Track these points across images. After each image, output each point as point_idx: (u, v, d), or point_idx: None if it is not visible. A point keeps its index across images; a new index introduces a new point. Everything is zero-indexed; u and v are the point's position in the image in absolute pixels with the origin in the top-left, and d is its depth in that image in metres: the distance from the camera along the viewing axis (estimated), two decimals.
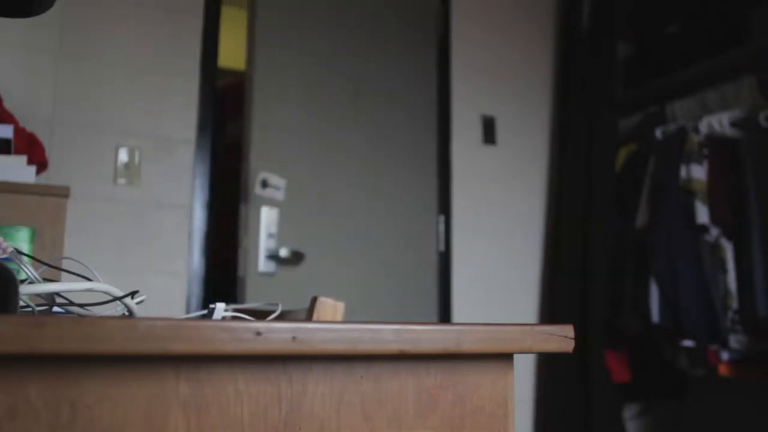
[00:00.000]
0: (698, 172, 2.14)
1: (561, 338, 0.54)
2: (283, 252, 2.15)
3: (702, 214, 2.10)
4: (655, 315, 2.16)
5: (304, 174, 2.25)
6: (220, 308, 0.61)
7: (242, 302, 2.09)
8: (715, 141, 2.17)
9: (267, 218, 2.14)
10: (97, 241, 1.96)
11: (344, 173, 2.32)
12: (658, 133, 2.36)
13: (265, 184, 2.15)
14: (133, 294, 0.56)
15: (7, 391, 0.38)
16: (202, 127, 2.15)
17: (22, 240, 0.93)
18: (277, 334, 0.42)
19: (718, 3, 2.38)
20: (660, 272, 2.16)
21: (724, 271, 2.05)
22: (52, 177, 1.86)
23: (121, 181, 2.02)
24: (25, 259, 0.56)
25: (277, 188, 2.16)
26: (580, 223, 2.48)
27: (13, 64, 1.92)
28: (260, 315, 0.67)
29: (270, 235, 2.15)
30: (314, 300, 0.78)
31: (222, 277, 2.41)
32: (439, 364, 0.51)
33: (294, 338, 0.43)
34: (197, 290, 2.08)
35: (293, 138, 2.24)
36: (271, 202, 2.17)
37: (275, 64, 2.23)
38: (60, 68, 1.98)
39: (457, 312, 2.40)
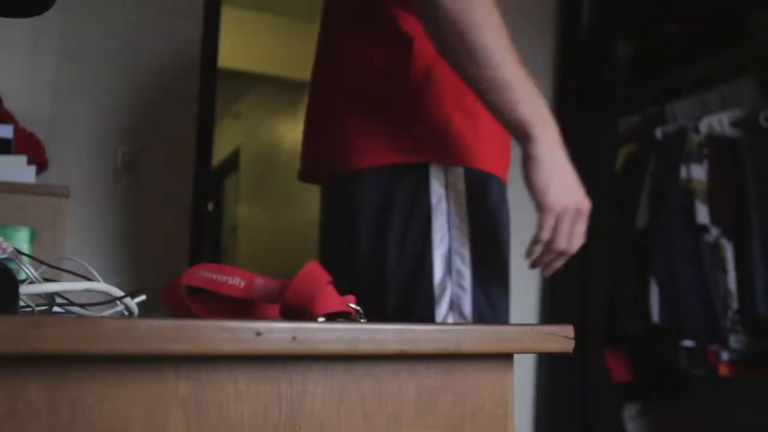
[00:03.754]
0: (698, 172, 2.14)
1: (561, 338, 0.54)
2: None
3: (702, 214, 2.10)
4: (655, 315, 2.16)
5: None
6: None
7: None
8: (715, 141, 2.17)
9: None
10: (97, 241, 1.96)
11: None
12: (658, 133, 2.36)
13: None
14: (133, 294, 0.56)
15: (7, 391, 0.38)
16: (202, 127, 2.15)
17: (22, 240, 0.93)
18: (277, 334, 0.42)
19: (718, 3, 2.38)
20: (660, 272, 2.16)
21: (724, 271, 2.05)
22: (52, 177, 1.85)
23: (121, 181, 2.02)
24: (25, 259, 0.56)
25: None
26: None
27: (14, 64, 1.92)
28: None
29: None
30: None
31: None
32: (439, 364, 0.51)
33: (294, 338, 0.43)
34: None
35: None
36: None
37: None
38: (60, 68, 1.98)
39: None
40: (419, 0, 0.92)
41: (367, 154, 1.04)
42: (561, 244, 0.97)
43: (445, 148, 1.04)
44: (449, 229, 1.03)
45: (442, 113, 1.05)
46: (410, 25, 1.04)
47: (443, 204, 1.03)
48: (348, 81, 1.09)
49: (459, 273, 1.02)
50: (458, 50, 0.90)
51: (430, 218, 1.02)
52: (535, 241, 0.98)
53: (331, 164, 1.10)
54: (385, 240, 1.02)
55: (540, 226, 0.96)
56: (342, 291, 0.87)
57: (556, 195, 0.95)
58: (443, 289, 1.01)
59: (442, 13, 0.88)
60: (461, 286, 1.01)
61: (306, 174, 1.20)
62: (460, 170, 1.05)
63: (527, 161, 0.95)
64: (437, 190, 1.03)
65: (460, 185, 1.05)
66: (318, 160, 1.15)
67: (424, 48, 1.04)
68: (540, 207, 0.96)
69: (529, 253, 1.01)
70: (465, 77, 0.93)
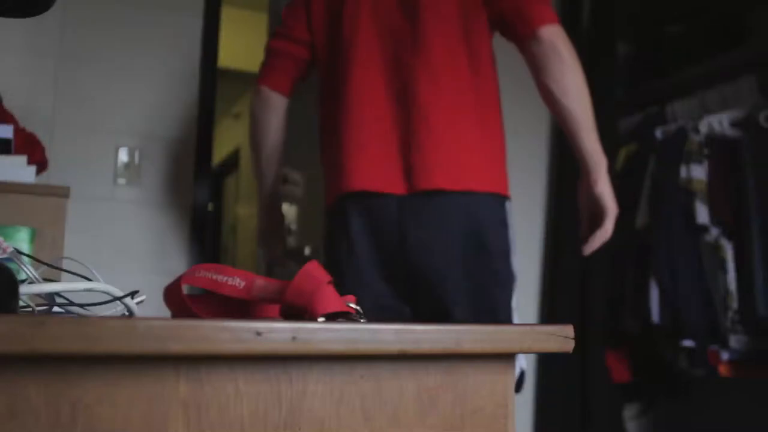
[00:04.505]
0: (698, 172, 2.14)
1: (561, 338, 0.54)
2: (307, 250, 2.12)
3: (702, 214, 2.09)
4: (655, 315, 2.16)
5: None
6: None
7: None
8: (715, 141, 2.17)
9: (286, 215, 2.08)
10: (97, 241, 1.96)
11: None
12: (658, 133, 2.35)
13: (284, 179, 2.07)
14: (133, 294, 0.56)
15: (7, 391, 0.38)
16: (202, 127, 2.15)
17: (22, 240, 0.93)
18: (277, 334, 0.42)
19: (718, 3, 2.38)
20: (660, 272, 2.16)
21: (724, 271, 2.04)
22: (52, 177, 1.86)
23: (121, 181, 2.02)
24: (25, 259, 0.56)
25: (296, 184, 2.12)
26: (580, 223, 2.48)
27: (14, 64, 1.92)
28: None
29: (290, 233, 2.12)
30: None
31: None
32: (439, 364, 0.51)
33: (294, 338, 0.43)
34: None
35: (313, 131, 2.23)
36: (291, 199, 2.14)
37: None
38: (60, 68, 1.98)
39: None
40: (552, 54, 1.29)
41: (479, 179, 1.30)
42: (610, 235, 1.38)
43: (507, 186, 1.38)
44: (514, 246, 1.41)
45: (503, 155, 1.38)
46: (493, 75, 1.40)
47: (513, 230, 1.39)
48: (448, 112, 1.31)
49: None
50: (572, 92, 1.31)
51: (510, 238, 1.38)
52: (605, 232, 1.37)
53: (426, 179, 1.28)
54: (483, 252, 1.32)
55: (610, 221, 1.37)
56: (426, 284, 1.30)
57: (615, 202, 1.36)
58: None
59: (568, 66, 1.30)
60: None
61: (370, 181, 1.31)
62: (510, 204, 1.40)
63: (600, 178, 1.35)
64: (511, 220, 1.39)
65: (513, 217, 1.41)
66: (406, 172, 1.30)
67: (497, 94, 1.41)
68: (609, 210, 1.36)
69: (597, 241, 1.40)
70: (568, 111, 1.33)
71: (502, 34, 1.40)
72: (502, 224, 1.35)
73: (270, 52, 1.51)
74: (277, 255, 1.63)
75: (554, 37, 1.29)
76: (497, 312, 1.31)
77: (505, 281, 1.36)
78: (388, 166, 1.30)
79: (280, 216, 1.62)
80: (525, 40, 1.32)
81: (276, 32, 1.51)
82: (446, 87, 1.30)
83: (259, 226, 1.62)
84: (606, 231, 1.35)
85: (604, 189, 1.34)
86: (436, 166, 1.27)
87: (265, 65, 1.53)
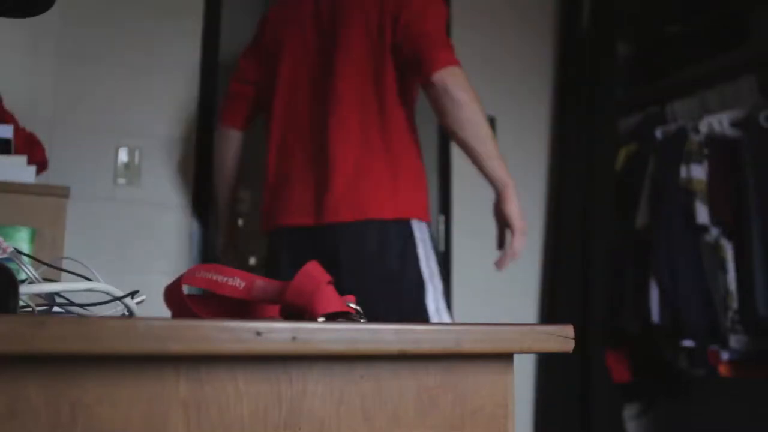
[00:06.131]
0: (698, 172, 2.14)
1: (561, 338, 0.54)
2: (252, 260, 2.19)
3: (702, 214, 2.10)
4: (655, 315, 2.16)
5: None
6: None
7: None
8: (715, 141, 2.17)
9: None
10: (97, 241, 1.96)
11: None
12: (658, 133, 2.36)
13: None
14: (133, 294, 0.56)
15: (7, 391, 0.38)
16: (202, 127, 2.14)
17: (22, 240, 0.93)
18: (277, 334, 0.42)
19: (718, 3, 2.39)
20: (660, 272, 2.16)
21: (724, 271, 2.05)
22: (52, 177, 1.85)
23: (121, 181, 2.02)
24: (25, 259, 0.56)
25: (242, 201, 2.19)
26: (580, 223, 2.48)
27: (13, 64, 1.92)
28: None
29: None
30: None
31: None
32: (439, 364, 0.51)
33: (294, 338, 0.43)
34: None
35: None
36: (239, 214, 2.19)
37: None
38: (60, 68, 1.98)
39: (457, 312, 2.41)
40: (444, 96, 1.42)
41: (413, 208, 1.51)
42: (521, 253, 1.48)
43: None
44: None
45: (414, 180, 1.57)
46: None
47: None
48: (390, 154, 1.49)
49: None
50: (468, 127, 1.45)
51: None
52: (513, 249, 1.45)
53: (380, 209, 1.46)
54: (406, 262, 1.49)
55: (517, 239, 1.46)
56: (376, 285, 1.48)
57: (523, 221, 1.50)
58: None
59: (461, 104, 1.42)
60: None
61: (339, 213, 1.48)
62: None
63: (507, 198, 1.49)
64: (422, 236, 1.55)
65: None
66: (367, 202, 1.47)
67: (408, 126, 1.57)
68: (517, 228, 1.47)
69: (507, 258, 1.46)
70: (467, 144, 1.47)
71: (411, 78, 1.54)
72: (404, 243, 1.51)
73: (227, 94, 1.76)
74: (232, 262, 1.87)
75: (445, 81, 1.41)
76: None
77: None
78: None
79: (236, 228, 1.86)
80: (424, 86, 1.47)
81: (232, 76, 1.75)
82: (353, 128, 1.47)
83: (221, 238, 1.85)
84: (514, 248, 1.45)
85: (512, 209, 1.46)
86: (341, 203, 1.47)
87: (223, 106, 1.78)
